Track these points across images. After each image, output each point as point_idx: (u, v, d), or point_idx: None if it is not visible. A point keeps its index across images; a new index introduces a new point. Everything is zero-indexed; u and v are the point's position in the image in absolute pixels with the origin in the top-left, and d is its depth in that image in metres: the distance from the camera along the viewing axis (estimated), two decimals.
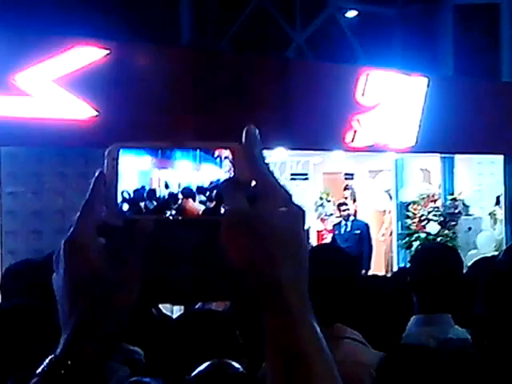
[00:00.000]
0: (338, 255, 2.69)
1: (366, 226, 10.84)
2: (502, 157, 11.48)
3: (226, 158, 0.90)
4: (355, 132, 9.38)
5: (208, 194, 0.92)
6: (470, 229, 11.26)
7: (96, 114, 7.34)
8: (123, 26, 7.82)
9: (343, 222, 10.81)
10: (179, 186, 0.93)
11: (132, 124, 7.57)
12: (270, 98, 8.74)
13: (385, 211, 12.70)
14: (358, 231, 10.60)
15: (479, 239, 10.97)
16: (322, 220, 11.63)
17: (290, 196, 0.87)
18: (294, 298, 0.84)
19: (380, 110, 9.59)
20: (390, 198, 11.91)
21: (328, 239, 11.30)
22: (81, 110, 7.29)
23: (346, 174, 12.31)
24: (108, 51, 7.39)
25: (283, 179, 11.57)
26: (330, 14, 11.06)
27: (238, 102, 8.45)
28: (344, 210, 10.82)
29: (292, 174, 11.41)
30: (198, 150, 0.91)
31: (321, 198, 11.58)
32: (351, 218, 10.90)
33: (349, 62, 10.36)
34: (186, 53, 8.36)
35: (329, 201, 11.62)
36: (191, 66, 8.20)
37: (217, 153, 0.91)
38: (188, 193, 0.93)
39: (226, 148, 0.90)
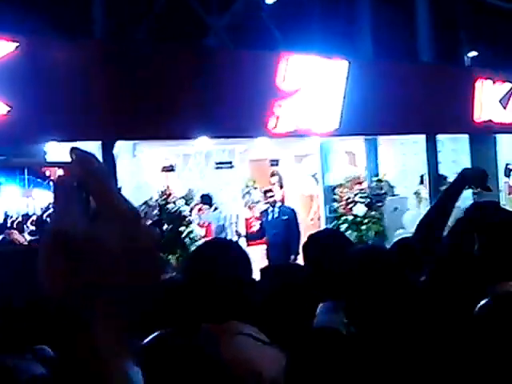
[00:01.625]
0: (224, 251, 2.61)
1: (293, 211, 10.83)
2: (423, 136, 11.63)
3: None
4: (278, 118, 9.33)
5: (38, 222, 0.81)
6: (396, 209, 11.38)
7: (8, 109, 7.08)
8: (33, 18, 7.56)
9: (270, 209, 10.78)
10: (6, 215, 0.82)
11: (45, 120, 7.36)
12: (190, 87, 8.60)
13: (312, 196, 12.74)
14: (285, 217, 10.59)
15: (405, 218, 11.09)
16: (250, 208, 11.58)
17: (137, 216, 0.77)
18: (106, 336, 0.73)
19: (301, 94, 9.57)
20: (317, 182, 11.94)
21: (256, 226, 11.26)
22: None
23: (272, 161, 12.27)
24: (17, 44, 7.13)
25: (209, 169, 11.47)
26: (247, 0, 10.98)
27: (157, 94, 8.30)
28: (270, 197, 10.79)
29: (217, 163, 11.31)
30: (27, 175, 0.80)
31: (247, 186, 11.52)
32: (278, 204, 10.88)
33: (269, 48, 10.29)
34: (100, 45, 8.15)
35: (255, 188, 11.56)
36: (106, 58, 7.97)
37: (48, 172, 0.80)
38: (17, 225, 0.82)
39: (59, 166, 0.79)
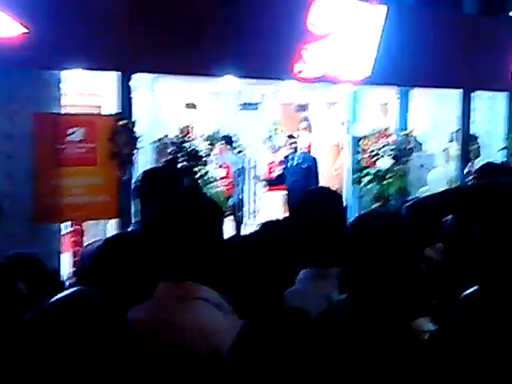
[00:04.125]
0: (201, 201, 2.34)
1: (314, 160, 10.54)
2: (460, 91, 11.17)
3: None
4: (304, 61, 8.96)
5: None
6: (422, 166, 11.03)
7: (25, 31, 6.82)
8: None
9: (291, 156, 10.50)
10: None
11: (63, 46, 7.10)
12: (217, 22, 8.26)
13: (339, 145, 12.40)
14: (306, 165, 10.30)
15: (430, 176, 10.75)
16: (272, 152, 11.29)
17: None
18: None
19: (332, 38, 9.16)
20: (345, 131, 11.60)
21: (277, 172, 10.99)
22: (8, 27, 6.76)
23: (299, 106, 11.92)
24: None
25: (234, 109, 11.18)
26: None
27: (181, 26, 7.98)
28: (293, 143, 10.49)
29: (242, 104, 11.00)
30: None
31: (271, 130, 11.21)
32: (300, 151, 10.58)
33: None
34: None
35: (280, 132, 11.24)
36: None
37: None
38: None
39: None
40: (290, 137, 10.66)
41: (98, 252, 2.63)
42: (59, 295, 1.94)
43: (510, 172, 3.53)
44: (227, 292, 2.26)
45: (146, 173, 3.47)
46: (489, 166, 3.51)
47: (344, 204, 3.05)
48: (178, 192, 2.98)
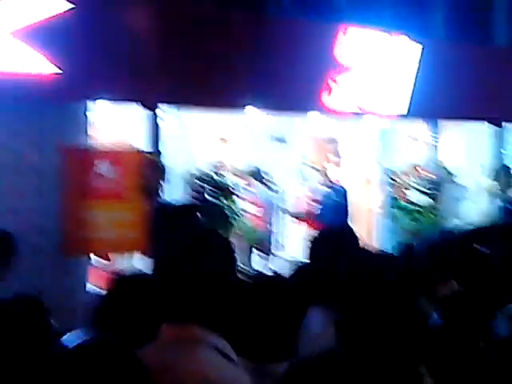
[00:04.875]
0: (212, 241, 2.24)
1: (344, 193, 10.44)
2: (490, 125, 11.04)
3: None
4: (334, 93, 8.93)
5: None
6: (454, 198, 10.88)
7: (55, 67, 6.91)
8: None
9: (323, 189, 10.41)
10: None
11: (88, 78, 7.17)
12: (245, 55, 8.30)
13: (371, 179, 12.29)
14: (336, 198, 10.21)
15: (463, 209, 10.61)
16: (302, 185, 11.22)
17: None
18: None
19: (361, 70, 9.14)
20: (377, 165, 11.52)
21: (307, 205, 10.89)
22: (39, 64, 6.85)
23: (330, 139, 11.86)
24: (73, 5, 6.93)
25: (263, 142, 11.15)
26: None
27: (210, 59, 8.02)
28: (325, 176, 10.41)
29: (272, 137, 10.98)
30: None
31: (302, 163, 11.15)
32: (331, 184, 10.50)
33: (334, 18, 9.82)
34: (157, 4, 7.87)
35: (310, 166, 11.18)
36: (159, 20, 7.72)
37: None
38: None
39: None
40: (323, 170, 10.58)
41: (108, 290, 2.59)
42: (83, 341, 1.88)
43: None
44: (235, 336, 2.16)
45: (156, 210, 3.41)
46: None
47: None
48: (188, 230, 2.90)
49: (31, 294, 2.79)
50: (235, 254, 2.26)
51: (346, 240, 2.95)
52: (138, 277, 2.63)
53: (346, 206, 10.30)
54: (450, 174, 10.99)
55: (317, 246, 2.92)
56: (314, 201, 10.61)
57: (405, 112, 9.67)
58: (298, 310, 2.51)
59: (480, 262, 2.80)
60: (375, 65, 9.28)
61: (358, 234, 3.17)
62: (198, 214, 3.91)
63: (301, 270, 3.12)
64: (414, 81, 9.58)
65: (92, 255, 8.05)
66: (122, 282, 2.60)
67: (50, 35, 6.82)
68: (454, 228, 3.23)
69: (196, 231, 2.49)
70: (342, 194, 10.45)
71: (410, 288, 2.17)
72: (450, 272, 2.87)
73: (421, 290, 2.72)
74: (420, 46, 9.61)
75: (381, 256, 2.45)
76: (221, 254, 2.21)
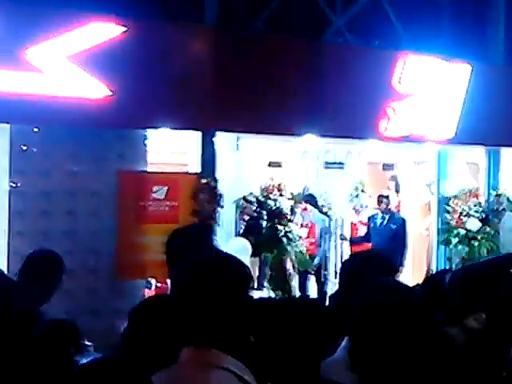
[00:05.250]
0: (223, 267, 2.24)
1: (403, 221, 10.29)
2: None
3: None
4: (389, 120, 8.88)
5: None
6: None
7: (110, 93, 7.06)
8: (143, 2, 7.50)
9: (380, 215, 10.29)
10: None
11: (147, 106, 7.30)
12: (302, 82, 8.33)
13: (429, 205, 12.14)
14: (394, 226, 10.07)
15: None
16: (357, 211, 11.14)
17: None
18: None
19: (417, 97, 9.07)
20: (431, 191, 11.37)
21: (362, 231, 10.82)
22: (95, 89, 7.02)
23: (385, 165, 11.78)
24: (125, 28, 7.09)
25: (320, 168, 11.15)
26: None
27: (265, 87, 8.07)
28: (383, 203, 10.28)
29: (327, 163, 10.96)
30: None
31: (356, 189, 11.08)
32: (389, 211, 10.37)
33: (392, 47, 9.80)
34: (210, 33, 7.99)
35: (364, 191, 11.10)
36: (215, 47, 7.83)
37: None
38: None
39: None
40: (382, 196, 10.44)
41: (132, 313, 2.62)
42: (87, 363, 1.94)
43: None
44: (254, 362, 2.15)
45: (171, 233, 3.41)
46: None
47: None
48: (204, 254, 2.92)
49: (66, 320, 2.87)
50: (251, 278, 2.27)
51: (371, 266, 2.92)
52: (160, 300, 2.65)
53: (405, 233, 10.18)
54: (510, 201, 10.75)
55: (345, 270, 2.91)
56: (369, 226, 10.53)
57: (458, 137, 9.54)
58: (323, 336, 2.50)
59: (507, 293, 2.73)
60: (429, 90, 9.20)
61: (385, 262, 3.12)
62: (211, 233, 3.94)
63: (332, 297, 3.12)
64: (462, 105, 9.45)
65: (148, 278, 8.14)
66: (149, 304, 2.63)
67: (105, 60, 6.99)
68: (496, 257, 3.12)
69: (213, 256, 2.50)
70: (401, 220, 10.32)
71: (426, 319, 2.15)
72: (481, 303, 2.81)
73: (449, 319, 2.69)
74: (470, 68, 9.48)
75: (398, 286, 2.42)
76: (237, 278, 2.21)
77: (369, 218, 10.61)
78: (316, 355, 2.43)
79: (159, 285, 8.63)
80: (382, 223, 10.29)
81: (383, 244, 9.88)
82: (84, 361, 2.51)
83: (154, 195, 7.60)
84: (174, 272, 2.51)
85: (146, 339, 2.44)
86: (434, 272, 3.76)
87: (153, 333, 2.45)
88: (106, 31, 7.02)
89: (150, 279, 8.43)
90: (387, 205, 10.36)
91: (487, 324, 2.66)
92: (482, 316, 2.81)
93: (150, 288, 8.57)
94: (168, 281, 8.50)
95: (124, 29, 7.08)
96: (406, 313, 2.17)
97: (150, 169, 7.86)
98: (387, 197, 10.57)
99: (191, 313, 2.13)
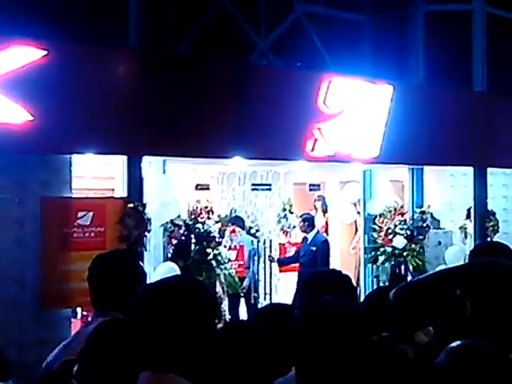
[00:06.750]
0: (181, 290, 2.21)
1: (325, 242, 10.38)
2: (472, 169, 11.07)
3: None
4: (315, 141, 8.95)
5: None
6: (439, 243, 10.85)
7: (32, 118, 6.88)
8: (63, 25, 7.36)
9: (307, 236, 10.38)
10: None
11: (71, 131, 7.15)
12: (227, 104, 8.32)
13: (356, 224, 12.28)
14: (314, 248, 10.16)
15: (448, 254, 10.57)
16: (285, 232, 11.17)
17: None
18: None
19: (342, 118, 9.18)
20: (356, 210, 11.52)
21: (291, 252, 10.85)
22: (15, 114, 6.83)
23: (311, 185, 11.88)
24: (46, 52, 6.94)
25: (246, 190, 11.16)
26: (296, 19, 10.63)
27: (191, 110, 8.01)
28: (303, 224, 10.38)
29: (253, 185, 10.98)
30: None
31: (284, 210, 11.12)
32: (313, 232, 10.45)
33: (316, 68, 9.92)
34: (134, 55, 7.90)
35: (292, 212, 11.15)
36: (139, 69, 7.74)
37: None
38: None
39: None
40: (301, 217, 10.50)
41: (87, 339, 2.56)
42: None
43: (509, 252, 3.36)
44: None
45: (93, 260, 3.36)
46: (487, 246, 3.35)
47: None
48: (129, 280, 2.91)
49: None
50: (215, 303, 2.25)
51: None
52: (120, 323, 2.59)
53: (328, 254, 10.26)
54: (434, 218, 10.97)
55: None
56: (297, 248, 10.58)
57: (382, 156, 9.68)
58: (271, 357, 2.47)
59: (453, 305, 2.76)
60: (354, 111, 9.33)
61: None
62: (137, 259, 3.91)
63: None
64: (385, 125, 9.61)
65: (73, 308, 7.93)
66: (103, 329, 2.57)
67: (25, 85, 6.82)
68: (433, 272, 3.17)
69: (171, 279, 2.44)
70: (323, 241, 10.41)
71: (369, 335, 2.16)
72: (427, 318, 2.83)
73: (398, 336, 2.70)
74: (391, 88, 9.66)
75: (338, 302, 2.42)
76: (202, 304, 2.19)
77: (302, 239, 10.65)
78: (268, 376, 2.42)
79: (85, 313, 8.42)
80: (306, 244, 10.38)
81: (306, 265, 9.96)
82: None
83: (79, 221, 7.42)
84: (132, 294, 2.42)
85: (102, 363, 2.37)
86: (370, 291, 3.80)
87: (109, 359, 2.38)
88: (26, 55, 6.84)
89: (76, 308, 8.23)
90: (308, 226, 10.43)
91: (435, 337, 2.69)
92: (429, 330, 2.83)
93: (75, 317, 8.36)
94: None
95: (45, 52, 6.92)
96: (345, 329, 2.16)
97: (75, 195, 7.69)
98: (307, 218, 10.61)
99: (148, 337, 2.08)
